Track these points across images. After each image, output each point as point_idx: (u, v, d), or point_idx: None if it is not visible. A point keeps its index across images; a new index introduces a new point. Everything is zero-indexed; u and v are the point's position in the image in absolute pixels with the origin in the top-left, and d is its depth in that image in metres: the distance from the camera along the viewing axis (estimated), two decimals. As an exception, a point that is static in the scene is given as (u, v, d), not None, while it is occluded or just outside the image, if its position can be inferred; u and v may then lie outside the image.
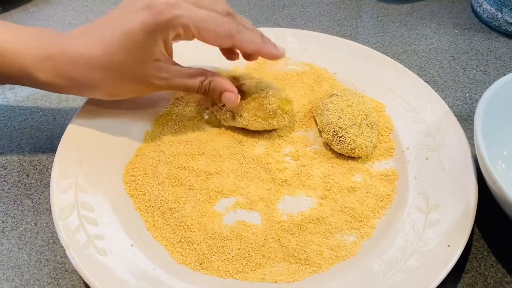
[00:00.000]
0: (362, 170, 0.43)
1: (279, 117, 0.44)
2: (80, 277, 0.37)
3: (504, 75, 0.43)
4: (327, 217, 0.40)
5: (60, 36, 0.40)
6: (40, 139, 0.48)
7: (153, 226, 0.39)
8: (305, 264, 0.37)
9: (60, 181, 0.39)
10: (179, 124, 0.46)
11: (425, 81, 0.49)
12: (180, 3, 0.38)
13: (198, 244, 0.38)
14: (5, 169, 0.45)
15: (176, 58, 0.42)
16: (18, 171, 0.45)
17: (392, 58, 0.52)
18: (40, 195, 0.43)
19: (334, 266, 0.37)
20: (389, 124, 0.46)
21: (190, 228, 0.38)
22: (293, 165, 0.43)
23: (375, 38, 0.61)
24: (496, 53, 0.59)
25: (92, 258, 0.35)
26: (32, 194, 0.43)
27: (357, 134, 0.43)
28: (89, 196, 0.39)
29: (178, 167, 0.43)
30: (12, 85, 0.53)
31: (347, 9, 0.66)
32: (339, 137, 0.43)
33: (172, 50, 0.41)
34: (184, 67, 0.41)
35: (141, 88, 0.41)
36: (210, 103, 0.47)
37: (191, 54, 0.45)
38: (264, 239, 0.38)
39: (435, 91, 0.48)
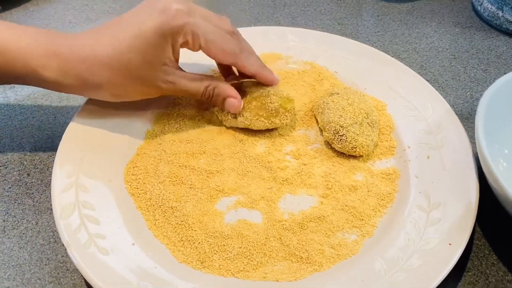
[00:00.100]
0: (363, 168, 0.43)
1: (281, 115, 0.44)
2: (81, 276, 0.37)
3: (505, 73, 0.43)
4: (328, 215, 0.39)
5: (68, 36, 0.40)
6: (41, 138, 0.48)
7: (154, 225, 0.39)
8: (307, 262, 0.37)
9: (61, 180, 0.39)
10: (180, 123, 0.46)
11: (426, 80, 0.49)
12: (194, 13, 0.39)
13: (199, 243, 0.38)
14: (6, 168, 0.45)
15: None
16: (19, 170, 0.45)
17: (392, 57, 0.52)
18: (41, 194, 0.43)
19: (335, 264, 0.37)
20: (390, 123, 0.46)
21: (191, 227, 0.38)
22: (294, 164, 0.43)
23: (375, 36, 0.61)
24: (497, 51, 0.59)
25: (93, 257, 0.35)
26: (33, 193, 0.43)
27: (358, 133, 0.43)
28: (90, 195, 0.39)
29: (179, 166, 0.43)
30: (13, 85, 0.53)
31: (348, 8, 0.66)
32: (340, 135, 0.43)
33: (178, 57, 0.41)
34: (189, 72, 0.42)
35: (146, 90, 0.41)
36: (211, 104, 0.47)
37: (191, 52, 0.45)
38: (266, 238, 0.38)
39: (436, 90, 0.48)
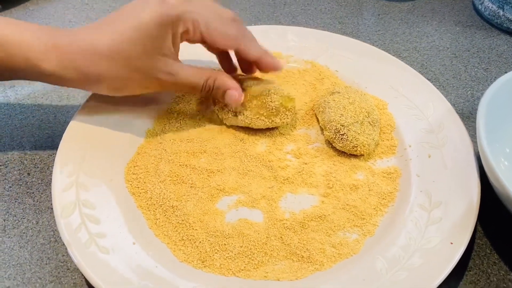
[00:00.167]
0: (364, 168, 0.43)
1: (281, 114, 0.44)
2: (82, 275, 0.37)
3: (506, 72, 0.43)
4: (329, 215, 0.39)
5: (68, 30, 0.40)
6: (41, 137, 0.47)
7: (155, 224, 0.39)
8: (308, 262, 0.37)
9: (62, 179, 0.39)
10: (180, 122, 0.46)
11: (427, 79, 0.49)
12: (193, 1, 0.39)
13: (200, 242, 0.37)
14: (6, 167, 0.45)
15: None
16: (19, 169, 0.45)
17: (393, 55, 0.52)
18: (42, 193, 0.43)
19: (336, 264, 0.37)
20: (391, 122, 0.46)
21: (192, 226, 0.38)
22: (295, 163, 0.43)
23: (376, 36, 0.61)
24: (497, 50, 0.59)
25: (94, 256, 0.35)
26: (33, 193, 0.43)
27: (359, 132, 0.43)
28: (90, 194, 0.39)
29: (180, 165, 0.42)
30: (13, 83, 0.53)
31: (348, 7, 0.66)
32: (341, 134, 0.43)
33: (178, 49, 0.41)
34: (189, 65, 0.41)
35: (146, 83, 0.41)
36: (212, 102, 0.47)
37: (191, 50, 0.45)
38: (266, 237, 0.38)
39: (437, 88, 0.48)
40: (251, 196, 0.41)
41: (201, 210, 0.39)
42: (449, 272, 0.34)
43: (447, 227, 0.37)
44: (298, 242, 0.38)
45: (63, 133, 0.42)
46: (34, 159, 0.45)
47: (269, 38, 0.54)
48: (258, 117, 0.44)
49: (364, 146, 0.43)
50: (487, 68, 0.56)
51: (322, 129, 0.46)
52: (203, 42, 0.42)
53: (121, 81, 0.40)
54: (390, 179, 0.42)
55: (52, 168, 0.40)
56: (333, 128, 0.43)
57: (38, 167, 0.45)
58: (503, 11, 0.60)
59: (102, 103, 0.45)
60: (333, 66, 0.52)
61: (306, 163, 0.43)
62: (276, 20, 0.63)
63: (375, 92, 0.49)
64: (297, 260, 0.37)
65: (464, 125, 0.44)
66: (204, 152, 0.44)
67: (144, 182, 0.41)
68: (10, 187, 0.43)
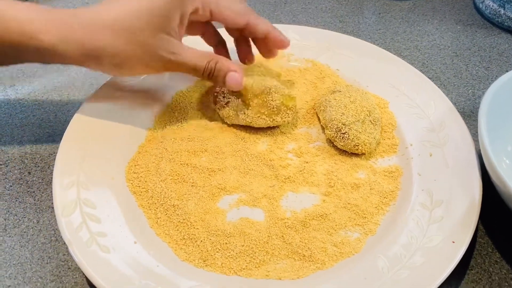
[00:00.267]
0: (366, 166, 0.43)
1: (283, 113, 0.44)
2: (83, 274, 0.36)
3: (507, 71, 0.43)
4: (330, 213, 0.39)
5: (69, 9, 0.39)
6: (41, 136, 0.47)
7: (156, 223, 0.39)
8: (309, 261, 0.37)
9: (62, 178, 0.39)
10: (181, 121, 0.46)
11: (428, 78, 0.49)
12: None
13: (201, 241, 0.37)
14: (6, 166, 0.45)
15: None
16: (19, 168, 0.45)
17: (394, 54, 0.52)
18: (42, 193, 0.43)
19: (338, 262, 0.37)
20: (393, 121, 0.46)
21: (193, 225, 0.38)
22: (296, 162, 0.43)
23: (377, 34, 0.61)
24: (498, 49, 0.59)
25: (95, 255, 0.35)
26: (34, 192, 0.43)
27: (360, 131, 0.43)
28: (91, 193, 0.39)
29: (181, 164, 0.42)
30: (13, 82, 0.53)
31: (349, 6, 0.66)
32: (342, 133, 0.43)
33: (184, 31, 0.42)
34: (191, 47, 0.42)
35: (147, 61, 0.40)
36: (213, 101, 0.46)
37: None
38: (268, 236, 0.38)
39: (438, 87, 0.48)
40: (252, 195, 0.41)
41: (202, 209, 0.39)
42: (451, 271, 0.34)
43: (448, 225, 0.37)
44: (300, 241, 0.38)
45: (64, 132, 0.42)
46: (34, 158, 0.45)
47: (270, 37, 0.53)
48: (259, 116, 0.44)
49: (365, 145, 0.43)
50: (488, 67, 0.56)
51: (323, 128, 0.46)
52: (211, 21, 0.43)
53: (122, 57, 0.39)
54: (391, 178, 0.42)
55: (53, 167, 0.40)
56: (334, 127, 0.43)
57: (38, 166, 0.45)
58: (504, 9, 0.60)
59: (103, 102, 0.45)
60: (334, 65, 0.52)
61: (307, 162, 0.43)
62: (276, 19, 0.63)
63: (376, 90, 0.49)
64: (298, 259, 0.37)
65: (465, 123, 0.44)
66: (205, 151, 0.44)
67: (145, 181, 0.41)
68: (11, 186, 0.43)
